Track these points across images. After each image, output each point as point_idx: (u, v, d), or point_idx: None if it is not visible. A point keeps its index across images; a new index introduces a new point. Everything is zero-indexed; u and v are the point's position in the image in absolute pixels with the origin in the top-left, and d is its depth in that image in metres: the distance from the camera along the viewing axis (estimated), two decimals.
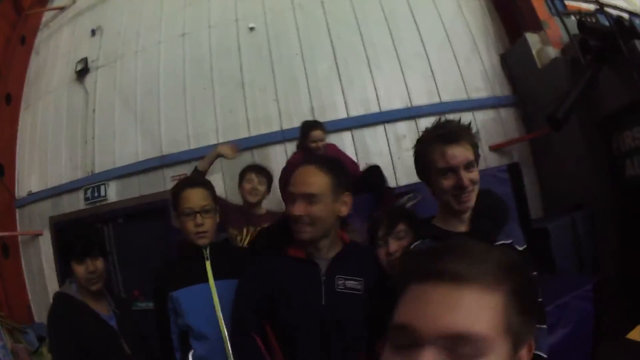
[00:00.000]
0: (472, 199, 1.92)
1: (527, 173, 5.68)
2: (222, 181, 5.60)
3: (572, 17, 5.72)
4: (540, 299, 1.92)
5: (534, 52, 5.72)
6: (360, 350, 2.01)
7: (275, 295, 2.06)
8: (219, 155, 4.20)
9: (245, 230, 3.98)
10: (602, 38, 4.91)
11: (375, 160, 5.37)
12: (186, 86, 6.25)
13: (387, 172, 4.85)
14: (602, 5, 5.41)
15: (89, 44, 7.11)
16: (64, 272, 3.44)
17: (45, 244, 6.67)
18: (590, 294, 3.91)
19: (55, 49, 7.55)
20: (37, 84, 7.46)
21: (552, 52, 5.61)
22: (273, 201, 4.69)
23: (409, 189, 4.61)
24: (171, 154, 6.02)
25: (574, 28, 5.23)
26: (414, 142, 2.08)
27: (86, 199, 6.39)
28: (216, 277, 2.46)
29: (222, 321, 2.35)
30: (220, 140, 5.68)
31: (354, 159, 5.38)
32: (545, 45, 5.72)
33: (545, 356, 1.92)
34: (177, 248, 2.83)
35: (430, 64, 6.07)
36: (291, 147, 5.41)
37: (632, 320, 2.88)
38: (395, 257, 2.30)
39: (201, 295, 2.42)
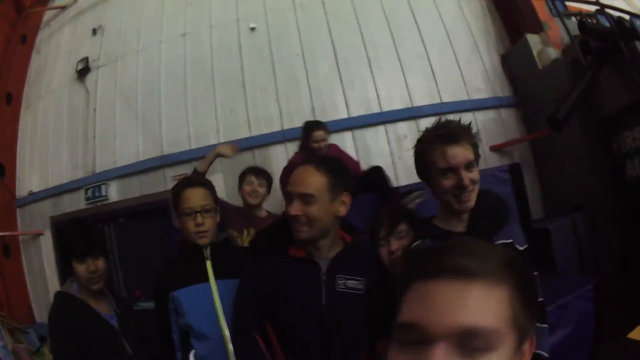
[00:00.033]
0: (472, 199, 1.93)
1: (527, 173, 5.68)
2: (223, 181, 5.59)
3: (573, 18, 5.72)
4: (541, 299, 1.93)
5: (534, 53, 5.72)
6: (361, 350, 2.02)
7: (276, 295, 2.07)
8: (218, 156, 4.20)
9: (245, 232, 3.97)
10: (602, 39, 4.91)
11: (376, 160, 5.40)
12: (187, 86, 6.25)
13: (388, 172, 4.83)
14: (602, 6, 5.40)
15: (90, 43, 7.11)
16: (65, 272, 3.45)
17: (46, 244, 6.67)
18: (590, 294, 3.91)
19: (56, 48, 7.55)
20: (38, 83, 7.46)
21: (553, 53, 5.61)
22: (273, 203, 4.68)
23: (409, 188, 4.61)
24: (172, 154, 6.02)
25: (574, 29, 5.23)
26: (415, 142, 2.08)
27: (87, 199, 6.39)
28: (217, 277, 2.46)
29: (223, 321, 2.35)
30: (221, 140, 5.67)
31: (355, 159, 5.38)
32: (545, 46, 5.72)
33: (546, 355, 1.92)
34: (177, 248, 2.84)
35: (431, 64, 6.06)
36: (292, 147, 5.42)
37: (633, 320, 2.88)
38: (397, 256, 2.31)
39: (202, 295, 2.42)
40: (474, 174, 1.92)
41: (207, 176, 3.90)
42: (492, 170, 5.19)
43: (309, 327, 2.01)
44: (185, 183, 2.63)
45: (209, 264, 2.49)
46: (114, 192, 6.28)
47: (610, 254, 4.99)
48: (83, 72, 6.85)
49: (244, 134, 5.87)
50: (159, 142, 6.13)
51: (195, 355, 2.41)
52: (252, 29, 6.30)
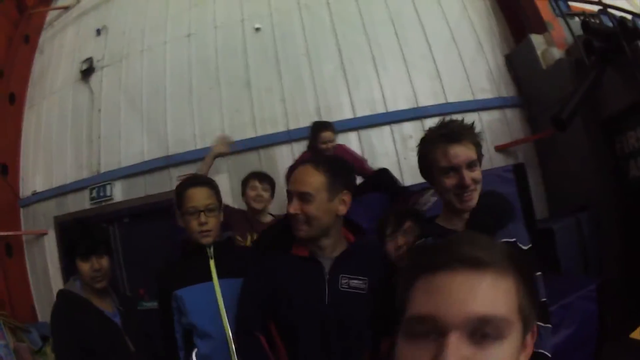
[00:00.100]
0: (474, 198, 1.93)
1: (532, 173, 5.66)
2: (228, 181, 5.60)
3: (576, 18, 5.71)
4: (544, 299, 1.94)
5: (538, 53, 5.70)
6: (364, 349, 2.02)
7: (279, 294, 2.07)
8: (217, 156, 4.21)
9: (249, 237, 3.97)
10: (605, 39, 4.90)
11: (382, 161, 5.42)
12: (192, 86, 6.24)
13: (394, 173, 4.85)
14: (605, 6, 5.40)
15: (93, 43, 7.11)
16: (69, 271, 3.45)
17: (50, 244, 6.67)
18: (594, 295, 3.91)
19: (59, 49, 7.55)
20: (41, 84, 7.47)
21: (557, 53, 5.60)
22: (278, 207, 4.67)
23: (420, 187, 4.60)
24: (177, 154, 6.01)
25: (578, 29, 5.22)
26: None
27: (92, 199, 6.39)
28: (220, 276, 2.46)
29: (226, 320, 2.36)
30: None
31: (362, 157, 5.36)
32: (549, 47, 5.70)
33: (549, 355, 1.92)
34: (180, 247, 2.84)
35: (436, 65, 6.05)
36: (297, 147, 5.45)
37: (636, 321, 2.88)
38: (403, 250, 2.34)
39: (205, 294, 2.43)
40: (476, 173, 1.92)
41: (211, 176, 3.90)
42: (497, 170, 5.19)
43: (312, 326, 2.02)
44: (189, 182, 2.64)
45: (212, 263, 2.49)
46: (118, 192, 6.28)
47: (613, 255, 4.97)
48: (87, 72, 6.84)
49: (249, 134, 5.87)
50: (164, 142, 6.13)
51: (198, 354, 2.41)
52: (257, 29, 6.29)
